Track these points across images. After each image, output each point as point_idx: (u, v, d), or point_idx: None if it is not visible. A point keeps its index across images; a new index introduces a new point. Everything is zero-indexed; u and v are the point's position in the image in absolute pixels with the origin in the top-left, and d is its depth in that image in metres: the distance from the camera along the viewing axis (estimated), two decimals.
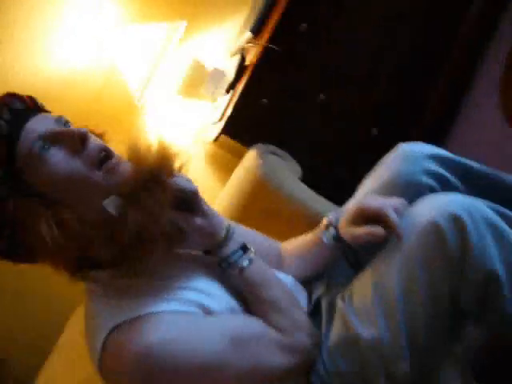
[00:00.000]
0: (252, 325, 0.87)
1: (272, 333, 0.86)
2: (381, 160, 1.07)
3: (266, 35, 1.65)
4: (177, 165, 0.85)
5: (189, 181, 0.86)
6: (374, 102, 1.71)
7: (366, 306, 0.87)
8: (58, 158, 0.80)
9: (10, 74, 1.85)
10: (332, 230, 0.99)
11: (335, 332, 0.90)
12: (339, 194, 1.52)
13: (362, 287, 0.90)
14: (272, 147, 1.57)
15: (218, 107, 1.78)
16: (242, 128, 1.64)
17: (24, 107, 0.84)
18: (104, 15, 1.90)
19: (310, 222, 1.40)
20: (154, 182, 0.81)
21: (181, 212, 0.84)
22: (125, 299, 0.82)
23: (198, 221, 0.85)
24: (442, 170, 1.01)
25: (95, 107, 1.92)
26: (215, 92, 1.85)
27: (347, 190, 1.59)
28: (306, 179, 1.59)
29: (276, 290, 0.91)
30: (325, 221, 1.03)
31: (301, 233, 1.17)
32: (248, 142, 1.64)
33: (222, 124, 1.64)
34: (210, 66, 1.88)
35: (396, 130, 1.72)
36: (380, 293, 0.86)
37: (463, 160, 1.04)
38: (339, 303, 0.92)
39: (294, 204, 1.44)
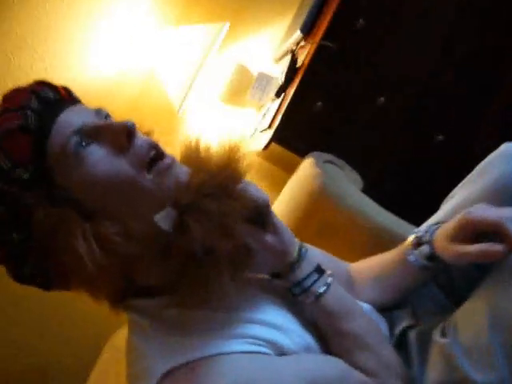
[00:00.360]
0: (333, 365, 0.71)
1: (357, 375, 0.71)
2: (480, 163, 0.90)
3: (318, 34, 1.50)
4: (244, 168, 0.70)
5: (259, 189, 0.70)
6: (439, 105, 1.53)
7: (478, 344, 0.70)
8: (98, 156, 0.65)
9: None
10: (426, 248, 0.82)
11: (435, 374, 0.74)
12: (396, 205, 1.36)
13: (472, 319, 0.72)
14: (329, 156, 1.40)
15: (266, 114, 1.63)
16: (294, 134, 1.48)
17: (57, 97, 0.69)
18: (142, 18, 1.79)
19: (375, 237, 1.25)
20: (222, 190, 0.66)
21: (252, 226, 0.69)
22: (178, 335, 0.66)
23: (269, 238, 0.70)
24: None
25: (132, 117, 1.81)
26: (261, 98, 1.71)
27: (407, 202, 1.43)
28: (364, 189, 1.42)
29: (360, 320, 0.76)
30: (412, 238, 0.86)
31: (365, 250, 1.02)
32: (300, 151, 1.48)
33: (271, 131, 1.49)
34: (255, 70, 1.75)
35: (464, 136, 1.54)
36: (498, 326, 0.69)
37: None
38: (438, 338, 0.76)
39: (356, 218, 1.28)
